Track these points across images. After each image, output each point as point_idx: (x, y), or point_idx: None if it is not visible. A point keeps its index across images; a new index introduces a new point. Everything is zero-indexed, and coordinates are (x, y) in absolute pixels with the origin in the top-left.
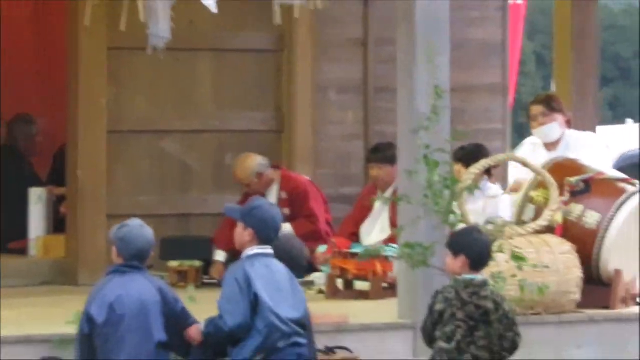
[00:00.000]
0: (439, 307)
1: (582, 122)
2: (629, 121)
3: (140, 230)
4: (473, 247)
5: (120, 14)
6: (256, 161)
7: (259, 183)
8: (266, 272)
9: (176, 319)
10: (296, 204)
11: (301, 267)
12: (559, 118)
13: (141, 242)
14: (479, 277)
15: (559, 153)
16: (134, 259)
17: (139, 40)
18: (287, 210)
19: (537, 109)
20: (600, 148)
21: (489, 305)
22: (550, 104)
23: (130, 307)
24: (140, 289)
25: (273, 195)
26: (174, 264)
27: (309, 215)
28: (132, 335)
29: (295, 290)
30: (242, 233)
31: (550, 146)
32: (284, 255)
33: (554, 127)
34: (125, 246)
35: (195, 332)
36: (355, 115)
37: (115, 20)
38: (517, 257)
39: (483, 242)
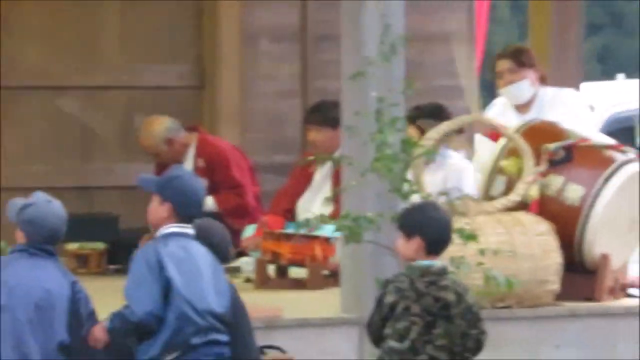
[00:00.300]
0: (389, 299)
1: (562, 78)
2: (620, 76)
3: (49, 207)
4: (430, 227)
5: None
6: (164, 125)
7: (170, 151)
8: (183, 254)
9: (83, 322)
10: (216, 173)
11: (224, 258)
12: (530, 74)
13: (53, 221)
14: (437, 263)
15: (531, 115)
16: (48, 242)
17: None
18: (205, 181)
19: (503, 64)
20: (582, 108)
21: (450, 296)
22: (519, 58)
23: (34, 296)
24: (50, 277)
25: (189, 163)
26: (72, 246)
27: (233, 186)
28: (30, 331)
29: (218, 278)
30: (157, 208)
31: (521, 107)
32: (202, 243)
33: (524, 86)
34: (36, 229)
35: (99, 332)
36: (291, 68)
37: None
38: (467, 236)
39: (442, 221)
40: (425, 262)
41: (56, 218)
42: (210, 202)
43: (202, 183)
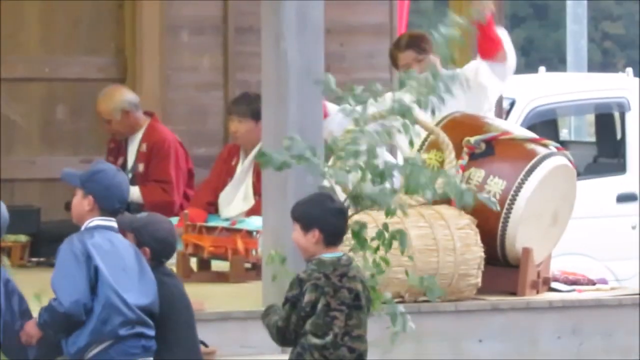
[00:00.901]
0: (309, 297)
1: None
2: (542, 69)
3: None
4: (328, 219)
5: None
6: (125, 96)
7: (122, 122)
8: (109, 247)
9: (16, 320)
10: (152, 161)
11: (171, 251)
12: (435, 59)
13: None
14: (342, 254)
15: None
16: None
17: None
18: (142, 167)
19: (407, 56)
20: (484, 75)
21: (359, 286)
22: (421, 46)
23: None
24: None
25: (135, 145)
26: None
27: (163, 180)
28: None
29: (144, 271)
30: (80, 202)
31: None
32: (148, 237)
33: None
34: None
35: (31, 327)
36: (213, 60)
37: None
38: (357, 236)
39: (339, 212)
40: (333, 254)
41: (1, 218)
42: (136, 194)
43: (126, 178)
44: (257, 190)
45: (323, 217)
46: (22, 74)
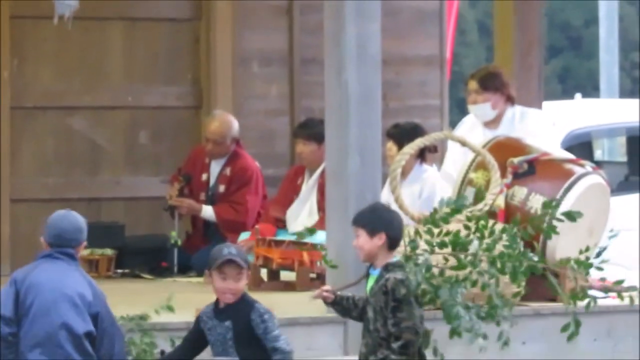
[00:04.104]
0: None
1: (525, 97)
2: (578, 96)
3: (62, 214)
4: (394, 224)
5: None
6: (236, 124)
7: (228, 147)
8: None
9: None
10: (234, 186)
11: None
12: (494, 97)
13: (61, 224)
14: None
15: (499, 132)
16: (56, 245)
17: (44, 9)
18: (222, 188)
19: (471, 84)
20: (546, 125)
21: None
22: (485, 82)
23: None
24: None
25: (218, 166)
26: (83, 252)
27: (238, 202)
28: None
29: None
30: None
31: (489, 124)
32: None
33: (485, 108)
34: (47, 231)
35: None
36: (280, 89)
37: None
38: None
39: (400, 219)
40: (396, 258)
41: (67, 222)
42: (209, 212)
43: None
44: (321, 207)
45: (390, 222)
46: (107, 102)
